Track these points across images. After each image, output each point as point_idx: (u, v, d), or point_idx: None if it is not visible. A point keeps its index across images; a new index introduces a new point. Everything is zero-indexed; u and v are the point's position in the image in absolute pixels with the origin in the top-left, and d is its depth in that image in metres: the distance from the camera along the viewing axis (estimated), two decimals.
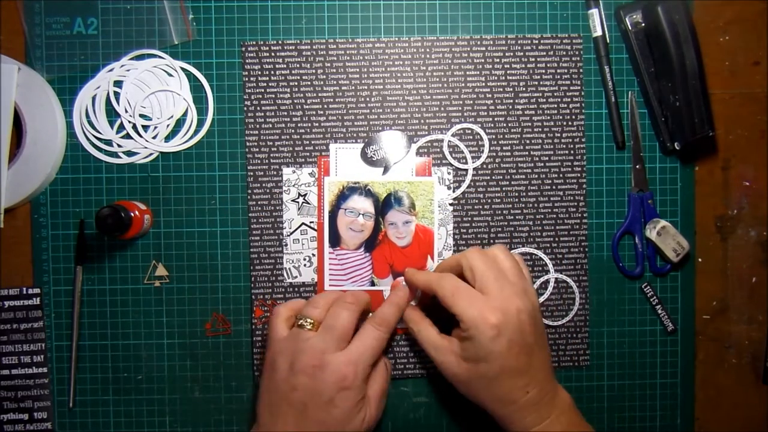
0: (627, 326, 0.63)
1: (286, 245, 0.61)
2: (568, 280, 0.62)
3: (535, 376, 0.51)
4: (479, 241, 0.62)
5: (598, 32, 0.61)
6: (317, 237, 0.61)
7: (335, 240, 0.61)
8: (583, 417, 0.54)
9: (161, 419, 0.61)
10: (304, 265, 0.61)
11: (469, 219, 0.61)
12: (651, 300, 0.63)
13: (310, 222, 0.61)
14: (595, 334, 0.62)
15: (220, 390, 0.62)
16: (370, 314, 0.56)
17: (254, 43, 0.61)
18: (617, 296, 0.63)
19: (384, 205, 0.61)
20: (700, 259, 0.63)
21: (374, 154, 0.60)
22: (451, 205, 0.61)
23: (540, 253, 0.62)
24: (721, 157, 0.63)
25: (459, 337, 0.53)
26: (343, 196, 0.61)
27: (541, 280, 0.62)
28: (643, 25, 0.61)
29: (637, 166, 0.62)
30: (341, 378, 0.49)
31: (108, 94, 0.61)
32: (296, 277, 0.61)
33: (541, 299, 0.62)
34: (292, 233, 0.60)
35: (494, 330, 0.49)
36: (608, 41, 0.62)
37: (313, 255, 0.61)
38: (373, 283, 0.61)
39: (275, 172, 0.61)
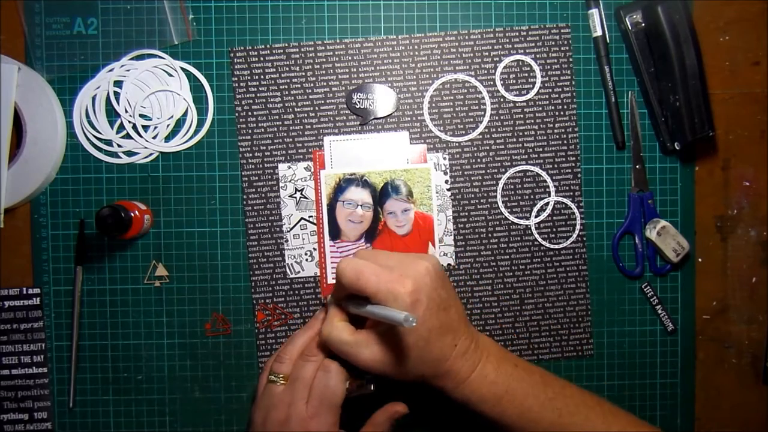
0: (627, 326, 0.63)
1: (287, 241, 0.61)
2: (568, 273, 0.62)
3: (458, 328, 0.52)
4: (477, 236, 0.62)
5: (598, 32, 0.61)
6: (317, 231, 0.61)
7: (335, 233, 0.61)
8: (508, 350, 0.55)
9: (161, 419, 0.61)
10: (306, 259, 0.61)
11: (467, 213, 0.61)
12: (651, 300, 0.63)
13: (309, 216, 0.61)
14: (595, 334, 0.63)
15: (220, 390, 0.62)
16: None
17: (242, 48, 0.60)
18: (617, 296, 0.63)
19: (382, 195, 0.61)
20: (700, 259, 0.63)
21: (359, 102, 0.60)
22: (449, 190, 0.61)
23: (539, 239, 0.62)
24: (721, 157, 0.63)
25: (373, 326, 0.52)
26: (340, 188, 0.61)
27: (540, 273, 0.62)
28: (643, 25, 0.61)
29: (637, 166, 0.62)
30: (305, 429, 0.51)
31: (108, 94, 0.61)
32: (299, 272, 0.61)
33: (542, 291, 0.62)
34: (291, 229, 0.60)
35: (412, 296, 0.48)
36: (608, 41, 0.62)
37: (314, 249, 0.61)
38: None
39: (270, 176, 0.61)
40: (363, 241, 0.61)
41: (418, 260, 0.51)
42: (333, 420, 0.52)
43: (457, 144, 0.61)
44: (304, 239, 0.61)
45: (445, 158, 0.61)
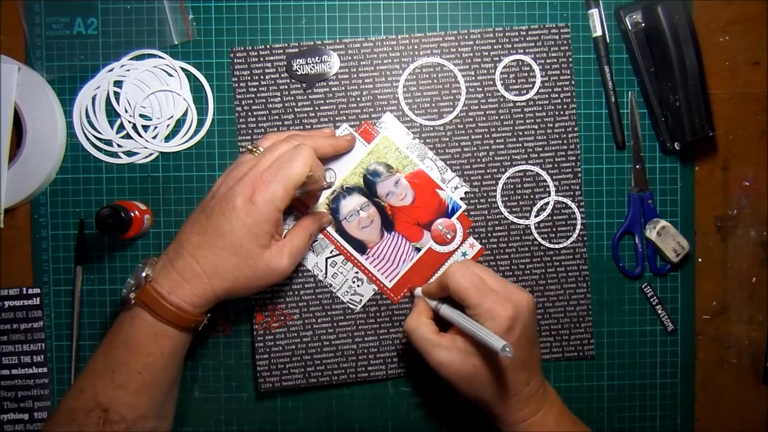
0: (627, 326, 0.63)
1: (331, 285, 0.61)
2: (568, 273, 0.62)
3: (534, 368, 0.53)
4: (477, 235, 0.62)
5: (598, 32, 0.61)
6: (346, 257, 0.61)
7: (360, 247, 0.61)
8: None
9: None
10: (358, 286, 0.61)
11: (466, 213, 0.61)
12: (651, 300, 0.63)
13: (331, 252, 0.61)
14: (595, 334, 0.63)
15: (220, 390, 0.62)
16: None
17: (242, 48, 0.60)
18: (617, 296, 0.63)
19: (368, 186, 0.61)
20: (700, 259, 0.63)
21: (300, 69, 0.60)
22: (415, 138, 0.61)
23: (539, 239, 0.62)
24: (721, 157, 0.63)
25: (457, 332, 0.52)
26: (333, 210, 0.61)
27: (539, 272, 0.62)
28: (643, 25, 0.61)
29: (637, 166, 0.62)
30: (252, 188, 0.50)
31: (108, 94, 0.61)
32: (361, 300, 0.61)
33: (542, 290, 0.62)
34: (326, 274, 0.61)
35: (509, 322, 0.50)
36: (608, 41, 0.62)
37: (357, 272, 0.61)
38: (418, 249, 0.61)
39: None
40: (386, 234, 0.61)
41: (520, 291, 0.52)
42: (282, 195, 0.50)
43: (457, 143, 0.61)
44: (342, 272, 0.61)
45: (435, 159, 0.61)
